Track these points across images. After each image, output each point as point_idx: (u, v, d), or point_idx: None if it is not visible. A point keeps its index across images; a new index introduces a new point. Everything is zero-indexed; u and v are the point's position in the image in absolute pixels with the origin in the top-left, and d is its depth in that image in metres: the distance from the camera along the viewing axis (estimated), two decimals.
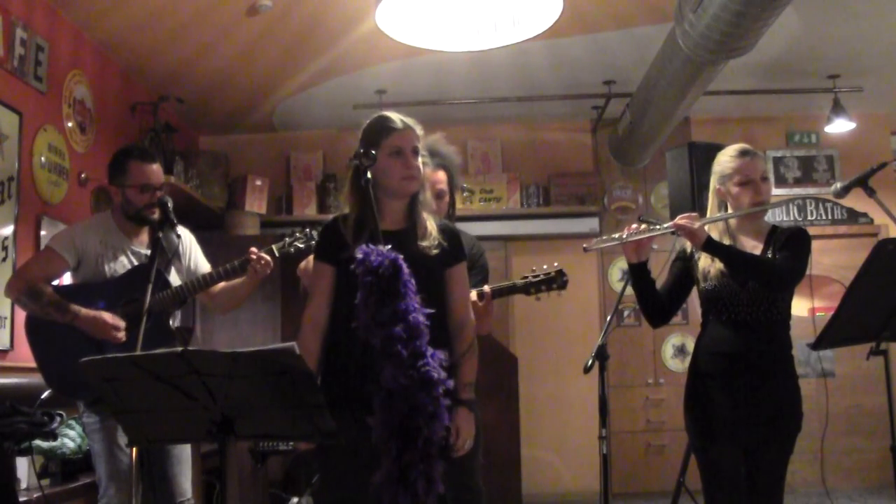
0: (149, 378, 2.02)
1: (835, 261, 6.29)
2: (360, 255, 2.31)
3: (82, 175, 4.67)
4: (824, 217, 6.76)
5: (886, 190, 3.25)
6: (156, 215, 3.22)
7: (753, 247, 2.92)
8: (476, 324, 2.68)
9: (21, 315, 3.33)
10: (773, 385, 2.79)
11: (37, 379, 3.25)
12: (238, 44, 5.08)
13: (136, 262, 3.24)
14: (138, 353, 2.57)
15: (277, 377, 1.99)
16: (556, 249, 6.02)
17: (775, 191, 6.60)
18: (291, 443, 4.64)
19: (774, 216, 6.54)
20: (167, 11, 4.61)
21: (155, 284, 2.96)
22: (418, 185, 2.59)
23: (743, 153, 2.94)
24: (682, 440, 2.97)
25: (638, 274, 2.97)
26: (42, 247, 3.84)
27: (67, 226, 3.97)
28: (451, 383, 2.30)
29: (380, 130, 2.57)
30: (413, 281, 2.31)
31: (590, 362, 3.11)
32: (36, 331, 3.20)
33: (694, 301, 3.07)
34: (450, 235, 2.62)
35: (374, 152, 2.47)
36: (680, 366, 6.52)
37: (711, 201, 3.01)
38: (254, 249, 3.21)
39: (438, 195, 3.10)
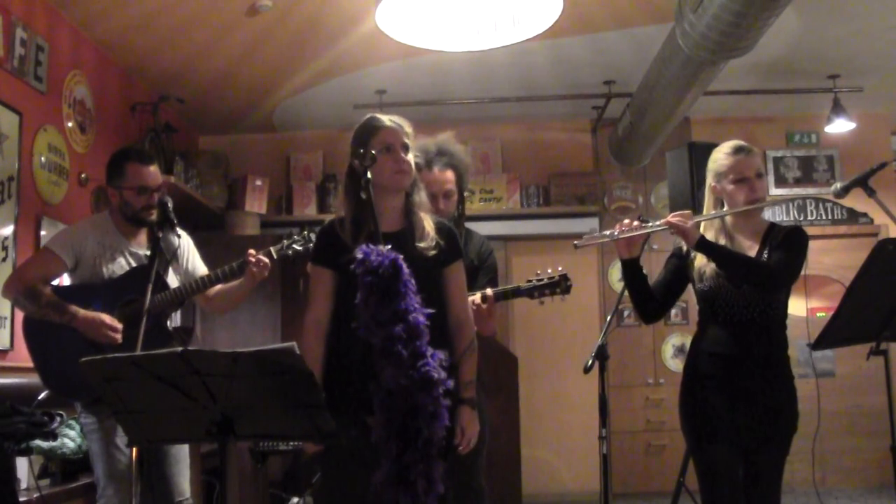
0: (149, 378, 2.02)
1: (835, 261, 6.30)
2: (360, 255, 2.31)
3: (82, 175, 4.67)
4: (824, 217, 6.75)
5: (886, 190, 3.25)
6: (153, 217, 3.21)
7: (750, 245, 2.90)
8: (479, 326, 2.67)
9: (21, 315, 3.33)
10: (770, 385, 2.79)
11: (36, 379, 3.24)
12: (238, 44, 5.08)
13: (134, 264, 3.24)
14: (138, 353, 2.57)
15: (277, 377, 1.99)
16: (556, 249, 6.04)
17: (775, 191, 6.63)
18: (293, 444, 4.65)
19: (774, 216, 6.54)
20: (167, 11, 4.61)
21: (154, 285, 2.96)
22: (409, 180, 2.58)
23: (737, 150, 2.91)
24: (682, 440, 2.96)
25: (630, 270, 2.97)
26: (41, 247, 3.84)
27: (66, 226, 3.96)
28: (451, 383, 2.30)
29: (369, 130, 2.58)
30: (413, 281, 2.31)
31: (590, 362, 3.10)
32: (34, 332, 3.19)
33: (694, 301, 3.06)
34: (446, 234, 2.61)
35: (373, 153, 2.47)
36: (680, 366, 6.49)
37: (707, 199, 3.00)
38: (252, 251, 3.21)
39: (446, 195, 3.06)
